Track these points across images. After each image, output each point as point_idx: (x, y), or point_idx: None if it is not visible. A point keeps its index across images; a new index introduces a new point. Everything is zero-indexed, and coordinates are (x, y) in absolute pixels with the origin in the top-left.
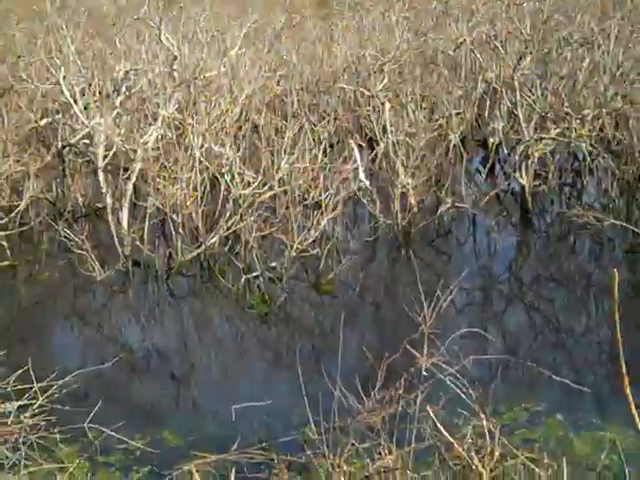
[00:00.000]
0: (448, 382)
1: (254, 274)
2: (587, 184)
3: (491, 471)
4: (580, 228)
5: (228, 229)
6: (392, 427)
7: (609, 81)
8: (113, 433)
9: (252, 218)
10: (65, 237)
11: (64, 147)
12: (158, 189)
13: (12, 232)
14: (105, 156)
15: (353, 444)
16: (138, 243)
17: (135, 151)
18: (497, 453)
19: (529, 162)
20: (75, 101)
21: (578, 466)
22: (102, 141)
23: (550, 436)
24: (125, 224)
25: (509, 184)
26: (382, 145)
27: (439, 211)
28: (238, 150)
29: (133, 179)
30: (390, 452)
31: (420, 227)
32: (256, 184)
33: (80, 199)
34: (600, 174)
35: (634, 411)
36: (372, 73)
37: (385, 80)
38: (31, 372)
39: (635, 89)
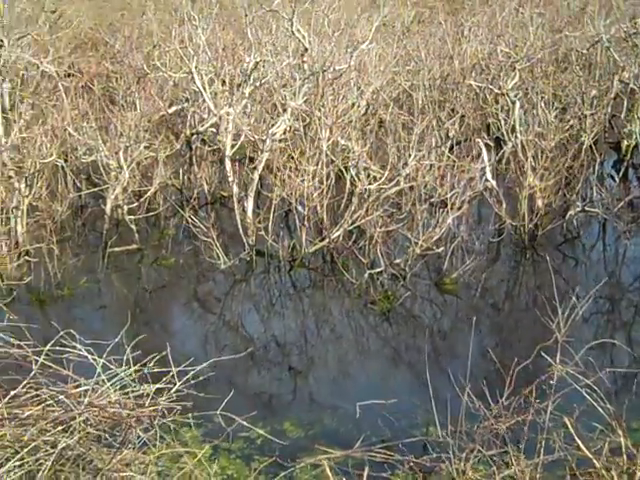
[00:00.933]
0: (584, 393)
1: (378, 270)
2: None
3: None
4: None
5: (352, 223)
6: (520, 436)
7: None
8: (244, 422)
9: (377, 213)
10: (191, 224)
11: (192, 135)
12: (284, 180)
13: (140, 217)
14: (233, 145)
15: (480, 450)
16: (262, 233)
17: (263, 141)
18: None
19: None
20: (205, 90)
21: None
22: (230, 130)
23: None
24: (250, 213)
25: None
26: (510, 145)
27: (568, 215)
28: (365, 144)
29: (260, 169)
30: (518, 462)
31: (547, 230)
32: (382, 179)
33: (206, 187)
34: None
35: None
36: (503, 70)
37: (516, 78)
38: (169, 357)
39: None
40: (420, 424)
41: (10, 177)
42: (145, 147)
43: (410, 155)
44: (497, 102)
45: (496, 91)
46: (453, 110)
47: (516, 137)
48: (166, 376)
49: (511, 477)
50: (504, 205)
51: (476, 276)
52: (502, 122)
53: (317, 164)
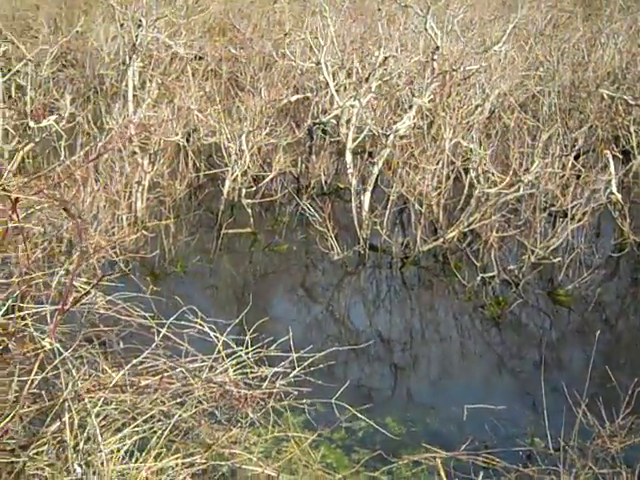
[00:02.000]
0: None
1: (490, 274)
2: None
3: None
4: None
5: (469, 225)
6: (634, 458)
7: None
8: (359, 414)
9: (495, 218)
10: (307, 213)
11: (314, 125)
12: (402, 177)
13: (256, 202)
14: (355, 138)
15: (591, 467)
16: (377, 228)
17: (386, 136)
18: None
19: None
20: (331, 81)
21: None
22: (354, 123)
23: None
24: (366, 207)
25: None
26: (639, 158)
27: None
28: (487, 148)
29: (380, 164)
30: None
31: None
32: (503, 184)
33: (323, 177)
34: None
35: None
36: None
37: None
38: (291, 342)
39: None
40: (526, 434)
41: (135, 153)
42: (267, 133)
43: (533, 162)
44: (630, 113)
45: (630, 102)
46: (581, 120)
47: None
48: (284, 361)
49: None
50: (628, 220)
51: (592, 290)
52: (633, 134)
53: (437, 163)
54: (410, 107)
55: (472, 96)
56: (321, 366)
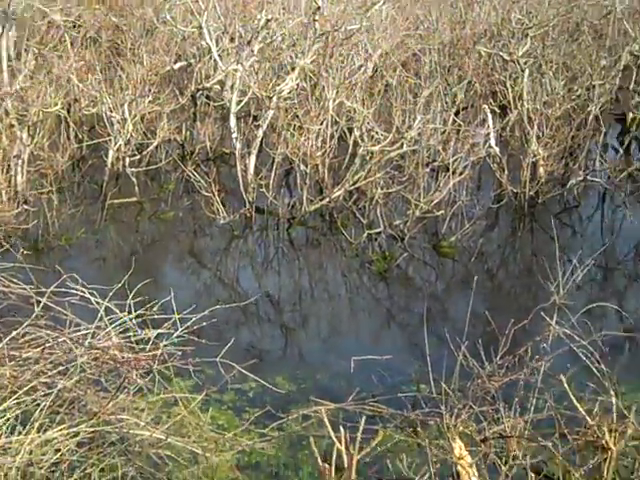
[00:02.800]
0: (580, 354)
1: (376, 230)
2: None
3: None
4: None
5: (354, 184)
6: (512, 394)
7: None
8: (243, 370)
9: (379, 175)
10: (192, 179)
11: (198, 91)
12: (286, 139)
13: (141, 170)
14: (239, 102)
15: (471, 407)
16: (264, 190)
17: (269, 98)
18: (630, 432)
19: None
20: (213, 46)
21: None
22: (237, 87)
23: None
24: (251, 170)
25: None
26: (516, 112)
27: (569, 184)
28: (370, 107)
29: (264, 127)
30: (508, 418)
31: (547, 199)
32: (386, 142)
33: (208, 143)
34: None
35: None
36: (515, 38)
37: (527, 46)
38: (173, 303)
39: None
40: (412, 381)
41: (12, 125)
42: (149, 101)
43: (415, 118)
44: (506, 69)
45: (506, 58)
46: (461, 76)
47: (522, 105)
48: (167, 322)
49: (500, 433)
50: (506, 172)
51: (474, 241)
52: (509, 89)
53: (321, 124)
54: (293, 69)
55: (355, 56)
56: (209, 329)
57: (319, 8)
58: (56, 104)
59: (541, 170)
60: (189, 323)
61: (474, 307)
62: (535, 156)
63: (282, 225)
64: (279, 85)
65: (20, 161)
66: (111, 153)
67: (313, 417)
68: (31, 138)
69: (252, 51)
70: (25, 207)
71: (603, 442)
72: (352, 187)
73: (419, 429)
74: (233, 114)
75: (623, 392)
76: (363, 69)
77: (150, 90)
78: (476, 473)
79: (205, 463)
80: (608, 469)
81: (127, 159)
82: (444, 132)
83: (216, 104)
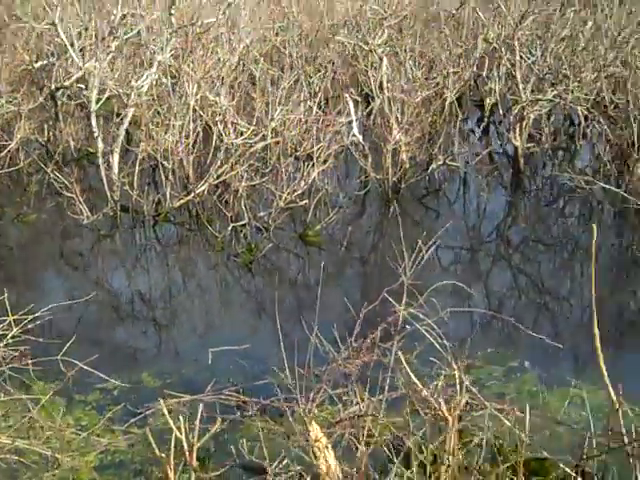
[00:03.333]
0: (424, 333)
1: (241, 223)
2: (581, 148)
3: (460, 419)
4: (571, 191)
5: (218, 177)
6: (366, 375)
7: (609, 45)
8: (86, 367)
9: (243, 167)
10: (54, 180)
11: (57, 89)
12: (150, 135)
13: (1, 172)
14: (98, 100)
15: (325, 390)
16: (127, 188)
17: (127, 95)
18: (463, 401)
19: (524, 123)
20: (72, 44)
21: (546, 419)
22: (96, 84)
23: (523, 390)
24: (115, 169)
25: (502, 145)
26: (378, 101)
27: (430, 168)
28: (233, 99)
29: (125, 124)
30: (362, 399)
31: (410, 184)
32: (248, 133)
33: (72, 142)
34: (594, 138)
35: (602, 365)
36: (372, 27)
37: (385, 35)
38: (6, 302)
39: (635, 54)
40: (272, 369)
41: None
42: (7, 101)
43: (276, 109)
44: (366, 57)
45: (365, 47)
46: (322, 65)
47: (383, 93)
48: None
49: (355, 413)
50: (370, 159)
51: (340, 228)
52: (371, 78)
53: (184, 119)
54: (151, 64)
55: (215, 50)
56: (81, 328)
57: (174, 2)
58: None
59: (404, 156)
60: (25, 322)
61: (339, 293)
62: (397, 142)
63: (148, 222)
64: (137, 82)
65: None
66: None
67: (174, 410)
68: None
69: (109, 47)
70: None
71: (440, 413)
72: (217, 181)
73: (278, 416)
74: (93, 112)
75: (480, 366)
76: (225, 63)
77: (6, 90)
78: (332, 454)
79: (66, 466)
80: (450, 438)
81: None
82: (306, 122)
83: (74, 103)
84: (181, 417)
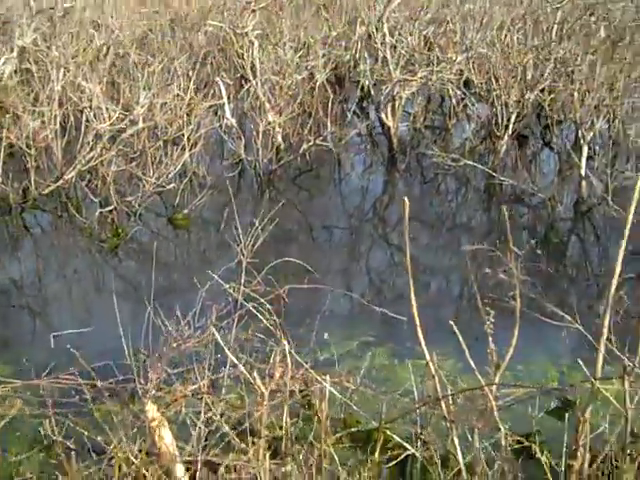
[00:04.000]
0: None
1: (108, 208)
2: (453, 127)
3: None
4: (444, 170)
5: (87, 163)
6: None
7: (478, 26)
8: None
9: (112, 153)
10: None
11: None
12: (15, 122)
13: None
14: None
15: (165, 370)
16: None
17: None
18: (277, 374)
19: (396, 103)
20: None
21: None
22: None
23: (375, 364)
24: None
25: (376, 125)
26: (253, 82)
27: (301, 149)
28: (100, 84)
29: None
30: (202, 377)
31: (284, 165)
32: (114, 118)
33: None
34: (466, 118)
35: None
36: (241, 12)
37: (256, 19)
38: None
39: (498, 35)
40: (116, 352)
41: None
42: None
43: (143, 94)
44: (238, 42)
45: (237, 31)
46: (192, 48)
47: (256, 75)
48: None
49: (195, 391)
50: (243, 141)
51: (211, 210)
52: (247, 60)
53: (49, 104)
54: (12, 49)
55: (82, 34)
56: None
57: None
58: None
59: (278, 137)
60: None
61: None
62: (269, 123)
63: (15, 210)
64: None
65: None
66: None
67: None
68: None
69: None
70: None
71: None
72: (86, 167)
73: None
74: None
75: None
76: (93, 47)
77: None
78: (168, 432)
79: None
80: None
81: None
82: (175, 107)
83: None
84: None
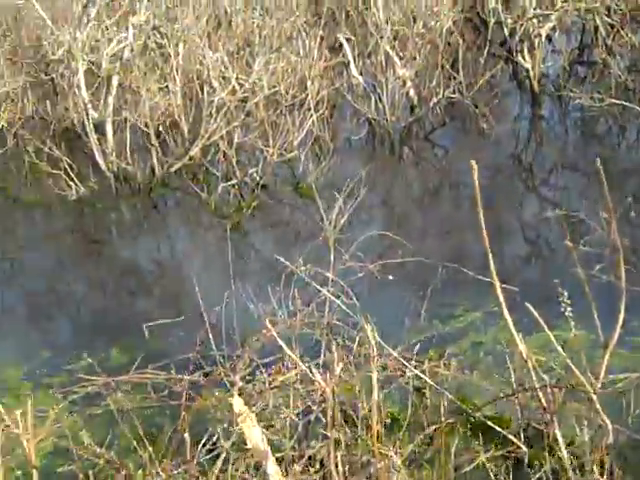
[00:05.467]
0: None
1: (231, 182)
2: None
3: None
4: (593, 111)
5: (210, 137)
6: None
7: None
8: None
9: (235, 124)
10: (48, 156)
11: (47, 65)
12: (136, 101)
13: None
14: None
15: (252, 360)
16: (114, 159)
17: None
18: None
19: (536, 41)
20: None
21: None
22: (81, 56)
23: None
24: (109, 138)
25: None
26: (377, 37)
27: (432, 103)
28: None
29: (113, 92)
30: (295, 366)
31: (417, 121)
32: (230, 88)
33: (69, 114)
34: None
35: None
36: None
37: None
38: None
39: None
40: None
41: None
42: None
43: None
44: None
45: None
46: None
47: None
48: None
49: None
50: (373, 100)
51: (340, 176)
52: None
53: (174, 81)
54: (126, 28)
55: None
56: None
57: None
58: None
59: (411, 92)
60: None
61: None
62: (399, 78)
63: (144, 190)
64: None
65: None
66: None
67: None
68: None
69: (89, 16)
70: None
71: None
72: (209, 142)
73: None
74: (82, 83)
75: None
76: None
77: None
78: (256, 426)
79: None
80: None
81: None
82: (297, 69)
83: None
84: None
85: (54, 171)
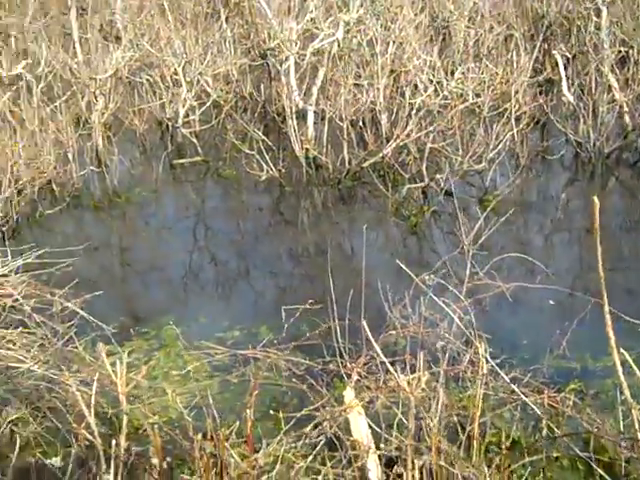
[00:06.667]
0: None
1: (418, 185)
2: None
3: None
4: None
5: (407, 137)
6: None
7: None
8: None
9: (431, 128)
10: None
11: (266, 50)
12: (336, 94)
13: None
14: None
15: (372, 357)
16: (310, 147)
17: (313, 54)
18: None
19: None
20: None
21: None
22: (293, 46)
23: None
24: (310, 125)
25: None
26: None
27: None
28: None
29: (319, 83)
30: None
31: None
32: (429, 92)
33: (279, 99)
34: None
35: None
36: None
37: None
38: None
39: None
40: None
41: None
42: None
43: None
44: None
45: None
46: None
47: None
48: None
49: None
50: (584, 121)
51: (525, 193)
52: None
53: (377, 78)
54: (337, 24)
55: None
56: None
57: None
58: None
59: (626, 118)
60: None
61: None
62: (611, 102)
63: (333, 180)
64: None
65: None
66: (182, 113)
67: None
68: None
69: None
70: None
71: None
72: (404, 142)
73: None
74: (292, 71)
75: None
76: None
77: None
78: (364, 421)
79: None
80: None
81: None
82: (504, 82)
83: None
84: None
85: (248, 151)
